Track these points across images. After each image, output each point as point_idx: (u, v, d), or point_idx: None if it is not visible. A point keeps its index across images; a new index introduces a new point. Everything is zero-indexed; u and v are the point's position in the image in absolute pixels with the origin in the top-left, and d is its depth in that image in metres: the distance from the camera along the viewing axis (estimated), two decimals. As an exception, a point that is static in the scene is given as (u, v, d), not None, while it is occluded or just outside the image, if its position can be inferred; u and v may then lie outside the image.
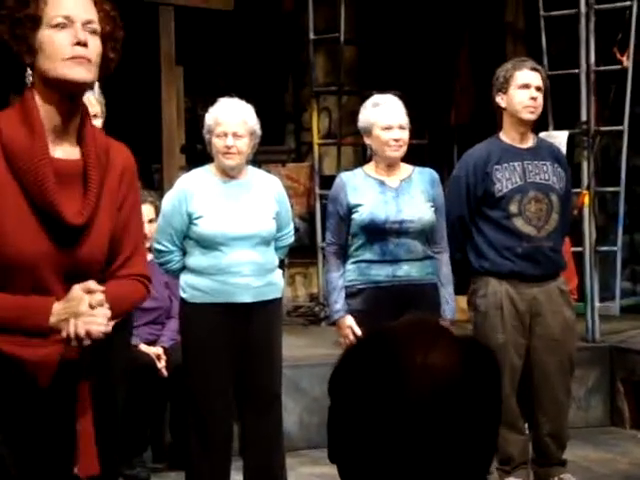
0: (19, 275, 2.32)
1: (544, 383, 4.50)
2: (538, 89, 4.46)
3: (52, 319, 2.28)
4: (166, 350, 5.17)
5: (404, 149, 4.32)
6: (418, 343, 1.31)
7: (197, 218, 4.10)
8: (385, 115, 4.28)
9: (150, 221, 5.17)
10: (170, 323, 5.24)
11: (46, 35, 2.30)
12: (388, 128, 4.25)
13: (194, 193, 4.14)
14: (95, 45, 2.32)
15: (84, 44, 2.29)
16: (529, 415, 4.59)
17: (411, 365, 1.29)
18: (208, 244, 4.09)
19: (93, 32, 2.33)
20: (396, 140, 4.26)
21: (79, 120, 2.39)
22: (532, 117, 4.47)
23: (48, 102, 2.33)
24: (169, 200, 4.21)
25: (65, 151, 2.37)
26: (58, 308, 2.29)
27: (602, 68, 6.24)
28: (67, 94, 2.33)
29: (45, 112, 2.33)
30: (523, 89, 4.43)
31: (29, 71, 2.34)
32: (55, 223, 2.31)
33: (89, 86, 2.38)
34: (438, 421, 1.27)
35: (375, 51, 8.23)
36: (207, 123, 4.20)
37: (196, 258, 4.13)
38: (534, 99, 4.43)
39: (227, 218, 4.10)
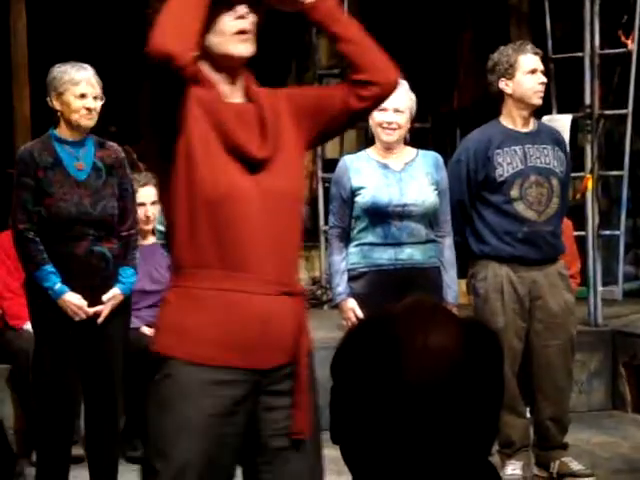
0: (225, 209, 2.40)
1: (545, 367, 4.50)
2: (542, 73, 4.47)
3: None
4: (168, 333, 5.17)
5: (400, 133, 4.25)
6: (420, 324, 1.30)
7: None
8: (384, 96, 4.24)
9: (153, 203, 5.16)
10: (172, 306, 5.24)
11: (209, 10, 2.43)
12: (382, 110, 4.16)
13: None
14: (254, 17, 2.48)
15: (244, 17, 2.45)
16: (530, 399, 4.59)
17: (412, 347, 1.28)
18: None
19: (253, 4, 2.48)
20: (389, 123, 4.21)
21: (243, 84, 2.53)
22: (539, 102, 4.48)
23: (214, 69, 2.49)
24: None
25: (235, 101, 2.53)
26: None
27: (607, 51, 6.22)
28: (228, 67, 2.49)
29: (214, 77, 2.49)
30: (531, 74, 4.42)
31: None
32: (242, 158, 2.44)
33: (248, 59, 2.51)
34: (440, 403, 1.27)
35: (378, 34, 8.18)
36: None
37: None
38: (543, 84, 4.44)
39: None
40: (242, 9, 2.45)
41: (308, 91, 2.61)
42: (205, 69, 2.48)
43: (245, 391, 2.42)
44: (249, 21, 2.46)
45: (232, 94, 2.51)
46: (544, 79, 4.47)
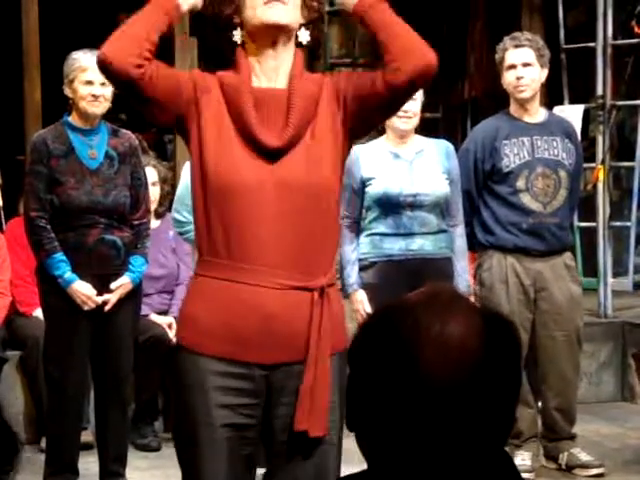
0: (232, 198, 2.35)
1: (551, 358, 4.50)
2: (525, 65, 4.42)
3: None
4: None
5: (414, 121, 4.25)
6: (438, 313, 1.29)
7: None
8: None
9: (153, 184, 5.09)
10: (179, 291, 5.23)
11: None
12: None
13: None
14: None
15: None
16: (537, 390, 4.59)
17: (430, 335, 1.27)
18: None
19: None
20: (405, 111, 4.17)
21: (290, 65, 2.45)
22: (524, 95, 4.45)
23: (255, 51, 2.45)
24: None
25: (271, 86, 2.45)
26: None
27: (619, 42, 6.19)
28: (268, 38, 2.43)
29: (254, 60, 2.44)
30: (510, 70, 4.44)
31: (238, 30, 2.46)
32: (256, 146, 2.37)
33: (287, 29, 2.43)
34: (457, 392, 1.26)
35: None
36: None
37: None
38: (519, 78, 4.41)
39: None
40: None
41: (351, 75, 2.49)
42: (244, 53, 2.45)
43: (253, 385, 2.37)
44: None
45: (270, 78, 2.44)
46: (521, 73, 4.40)
